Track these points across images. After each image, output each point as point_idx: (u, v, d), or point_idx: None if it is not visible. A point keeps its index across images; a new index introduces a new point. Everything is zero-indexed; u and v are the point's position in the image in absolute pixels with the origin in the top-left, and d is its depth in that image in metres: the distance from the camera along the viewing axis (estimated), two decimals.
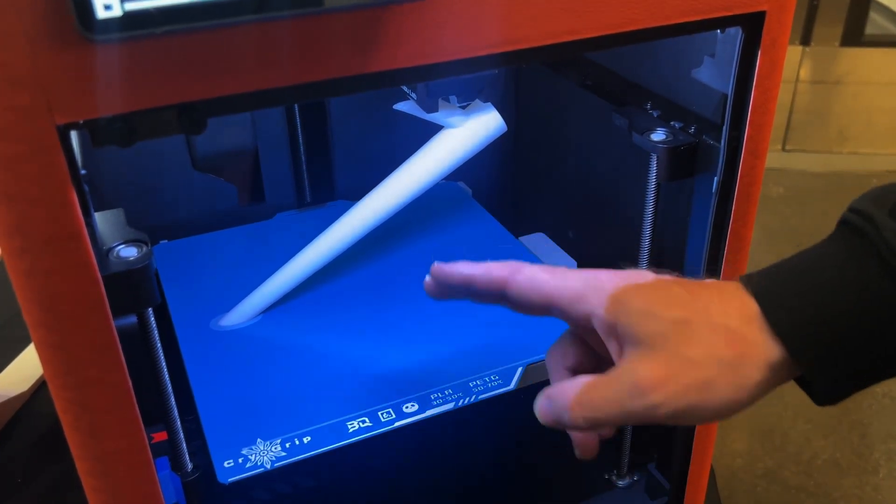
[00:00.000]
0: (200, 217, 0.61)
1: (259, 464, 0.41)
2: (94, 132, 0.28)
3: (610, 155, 0.56)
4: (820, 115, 1.99)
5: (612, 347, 0.33)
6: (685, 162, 0.44)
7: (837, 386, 0.31)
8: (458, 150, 0.50)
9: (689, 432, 0.49)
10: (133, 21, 0.25)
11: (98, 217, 0.34)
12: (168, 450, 0.40)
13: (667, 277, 0.34)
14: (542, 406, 0.33)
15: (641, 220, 0.47)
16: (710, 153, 0.43)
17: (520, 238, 0.60)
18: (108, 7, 0.24)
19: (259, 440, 0.42)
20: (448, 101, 0.49)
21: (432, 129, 0.51)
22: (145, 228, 0.34)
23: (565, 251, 0.61)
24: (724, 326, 0.31)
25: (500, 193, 0.69)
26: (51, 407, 0.32)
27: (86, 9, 0.24)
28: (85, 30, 0.25)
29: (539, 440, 0.51)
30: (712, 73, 0.42)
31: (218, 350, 0.49)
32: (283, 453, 0.42)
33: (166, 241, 0.59)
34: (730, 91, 0.40)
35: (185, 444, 0.40)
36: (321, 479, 0.43)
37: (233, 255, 0.58)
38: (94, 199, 0.30)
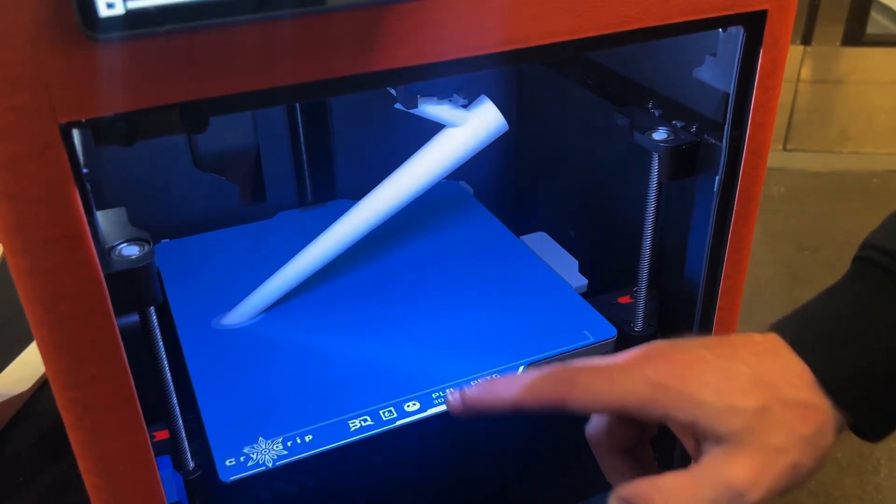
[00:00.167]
0: (202, 216, 0.61)
1: (261, 462, 0.41)
2: (97, 131, 0.28)
3: (611, 154, 0.56)
4: (821, 114, 1.99)
5: (688, 444, 0.33)
6: (687, 161, 0.44)
7: (887, 425, 0.32)
8: (459, 148, 0.50)
9: None
10: (135, 19, 0.25)
11: (100, 216, 0.34)
12: (170, 448, 0.40)
13: (704, 348, 0.33)
14: None
15: (643, 219, 0.47)
16: (712, 152, 0.43)
17: (521, 237, 0.60)
18: (110, 5, 0.24)
19: (261, 439, 0.42)
20: (448, 100, 0.49)
21: (433, 128, 0.51)
22: (146, 228, 0.34)
23: (567, 250, 0.61)
24: (796, 402, 0.31)
25: (501, 192, 0.69)
26: (52, 406, 0.32)
27: (88, 7, 0.24)
28: (88, 28, 0.25)
29: (540, 439, 0.51)
30: (714, 72, 0.42)
31: (219, 349, 0.49)
32: (285, 452, 0.42)
33: (167, 240, 0.59)
34: (731, 90, 0.40)
35: (186, 443, 0.40)
36: (323, 478, 0.43)
37: (234, 255, 0.58)
38: (95, 198, 0.30)
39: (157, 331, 0.37)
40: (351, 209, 0.52)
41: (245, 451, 0.42)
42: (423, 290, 0.54)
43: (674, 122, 0.45)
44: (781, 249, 1.23)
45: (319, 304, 0.53)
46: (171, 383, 0.38)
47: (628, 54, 0.51)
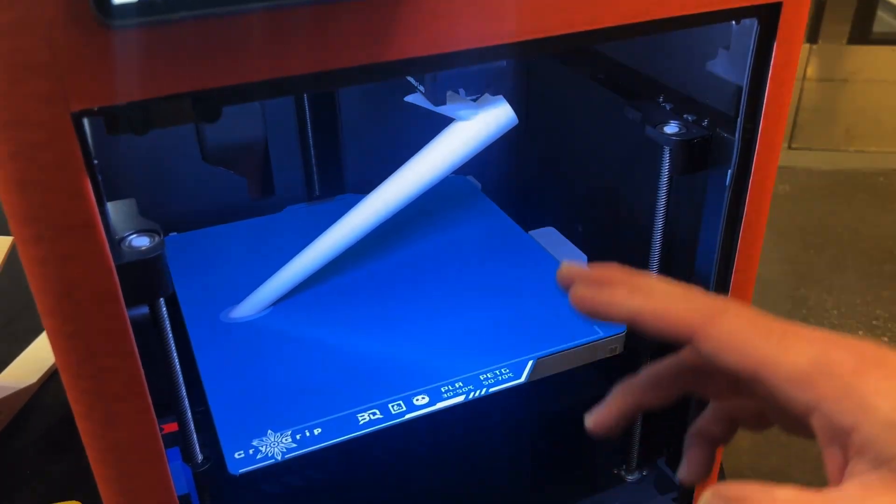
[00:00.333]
0: (210, 210, 0.61)
1: (269, 455, 0.41)
2: (110, 119, 0.28)
3: (621, 149, 0.55)
4: (827, 113, 1.98)
5: (831, 456, 0.25)
6: (699, 155, 0.44)
7: None
8: (468, 143, 0.50)
9: None
10: (149, 7, 0.25)
11: (110, 206, 0.34)
12: (179, 441, 0.40)
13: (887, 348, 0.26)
14: None
15: (652, 214, 0.47)
16: (724, 146, 0.42)
17: (529, 232, 0.60)
18: None
19: (270, 432, 0.42)
20: (458, 93, 0.49)
21: (442, 122, 0.50)
22: (155, 222, 0.34)
23: (575, 245, 0.61)
24: None
25: (509, 187, 0.69)
26: (60, 399, 0.32)
27: None
28: (101, 15, 0.24)
29: (548, 434, 0.50)
30: (727, 65, 0.42)
31: (228, 342, 0.49)
32: (294, 445, 0.41)
33: (176, 233, 0.59)
34: (745, 83, 0.40)
35: (195, 436, 0.40)
36: (331, 471, 0.43)
37: (242, 248, 0.58)
38: (105, 190, 0.30)
39: (167, 322, 0.37)
40: (359, 203, 0.52)
41: (254, 443, 0.42)
42: (431, 284, 0.54)
43: (685, 115, 0.45)
44: (787, 248, 1.22)
45: (327, 298, 0.53)
46: (181, 375, 0.38)
47: (639, 48, 0.51)
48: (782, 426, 0.30)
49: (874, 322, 1.07)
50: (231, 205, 0.61)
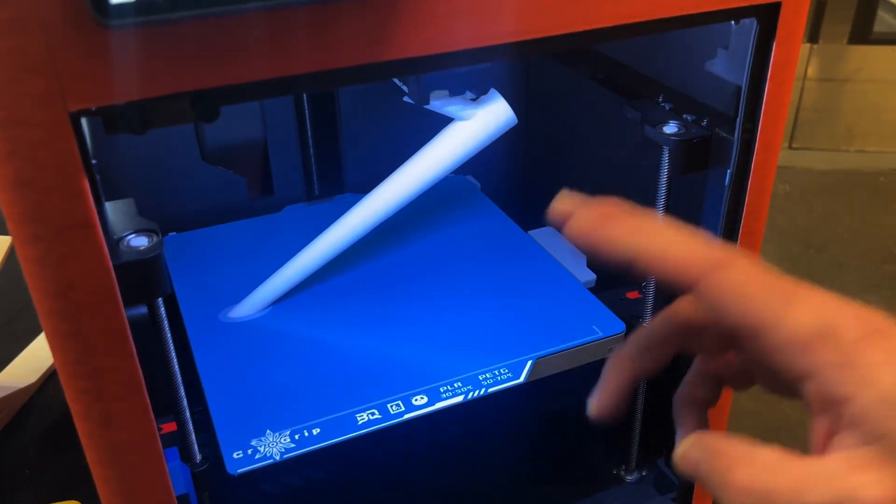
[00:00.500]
0: (209, 210, 0.61)
1: (268, 455, 0.41)
2: (108, 119, 0.28)
3: (620, 149, 0.55)
4: (827, 112, 1.98)
5: (819, 424, 0.24)
6: (698, 155, 0.44)
7: None
8: (468, 142, 0.50)
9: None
10: (147, 6, 0.25)
11: (109, 206, 0.34)
12: (177, 440, 0.40)
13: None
14: (689, 455, 0.26)
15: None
16: (723, 146, 0.42)
17: (529, 232, 0.60)
18: None
19: (268, 431, 0.42)
20: (443, 91, 0.49)
21: (442, 122, 0.50)
22: (154, 221, 0.34)
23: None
24: None
25: (509, 187, 0.69)
26: (59, 398, 0.32)
27: None
28: (99, 15, 0.24)
29: (548, 434, 0.50)
30: (726, 65, 0.42)
31: (227, 342, 0.49)
32: (293, 445, 0.41)
33: (175, 233, 0.59)
34: (744, 83, 0.40)
35: (194, 435, 0.40)
36: (330, 471, 0.43)
37: (241, 248, 0.58)
38: (104, 189, 0.30)
39: (166, 322, 0.37)
40: (358, 203, 0.52)
41: (252, 443, 0.42)
42: (430, 284, 0.54)
43: (685, 115, 0.45)
44: (787, 248, 1.22)
45: (327, 298, 0.53)
46: (179, 375, 0.38)
47: (638, 48, 0.51)
48: (766, 385, 0.29)
49: None
50: (230, 205, 0.61)
